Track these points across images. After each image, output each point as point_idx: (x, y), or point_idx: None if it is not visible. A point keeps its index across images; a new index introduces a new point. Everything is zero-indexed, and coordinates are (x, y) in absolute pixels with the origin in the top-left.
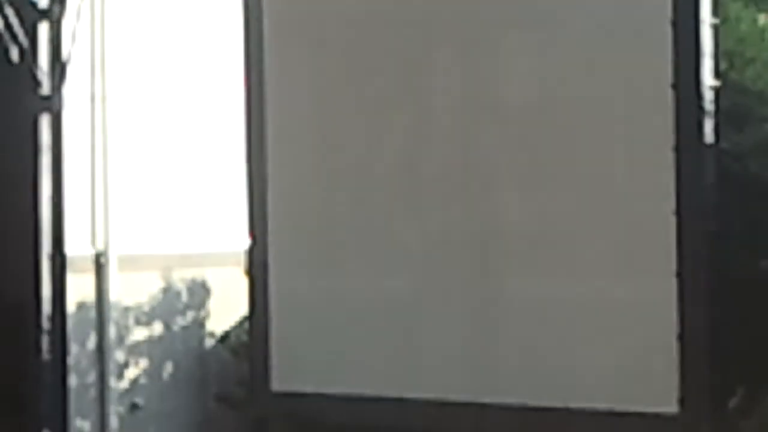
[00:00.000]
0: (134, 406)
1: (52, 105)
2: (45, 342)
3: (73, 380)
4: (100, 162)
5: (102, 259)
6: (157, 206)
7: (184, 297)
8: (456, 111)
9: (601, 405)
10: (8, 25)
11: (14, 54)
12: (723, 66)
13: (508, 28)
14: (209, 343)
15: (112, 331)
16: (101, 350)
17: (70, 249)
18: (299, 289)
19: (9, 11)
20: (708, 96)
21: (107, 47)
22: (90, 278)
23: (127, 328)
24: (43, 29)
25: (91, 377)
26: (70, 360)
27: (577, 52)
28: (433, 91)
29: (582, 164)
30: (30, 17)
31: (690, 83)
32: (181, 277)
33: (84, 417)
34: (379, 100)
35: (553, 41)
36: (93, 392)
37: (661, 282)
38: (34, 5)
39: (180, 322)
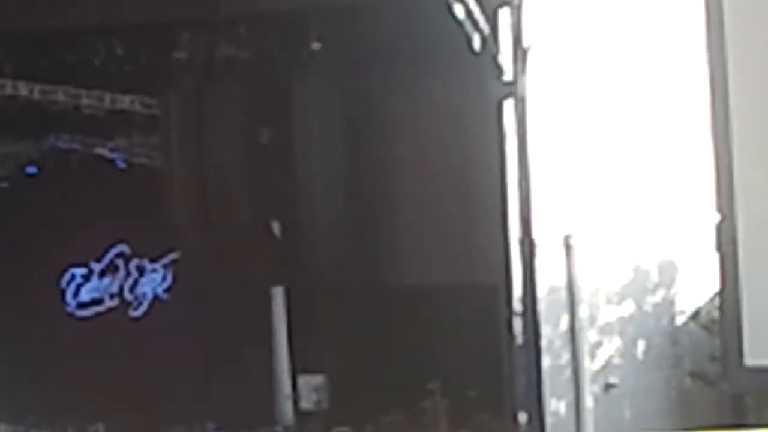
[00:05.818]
0: (609, 386)
1: (516, 90)
2: (518, 324)
3: (546, 361)
4: (565, 146)
5: (570, 242)
6: (621, 188)
7: (654, 275)
8: None
9: None
10: (469, 13)
11: (476, 42)
12: None
13: None
14: (680, 320)
15: (583, 312)
16: (573, 331)
17: (538, 232)
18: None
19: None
20: None
21: (568, 31)
22: (559, 260)
23: (598, 308)
24: (504, 15)
25: (565, 358)
26: (543, 342)
27: None
28: None
29: None
30: (490, 4)
31: None
32: (649, 256)
33: (559, 398)
34: None
35: None
36: (567, 373)
37: None
38: None
39: (650, 300)
